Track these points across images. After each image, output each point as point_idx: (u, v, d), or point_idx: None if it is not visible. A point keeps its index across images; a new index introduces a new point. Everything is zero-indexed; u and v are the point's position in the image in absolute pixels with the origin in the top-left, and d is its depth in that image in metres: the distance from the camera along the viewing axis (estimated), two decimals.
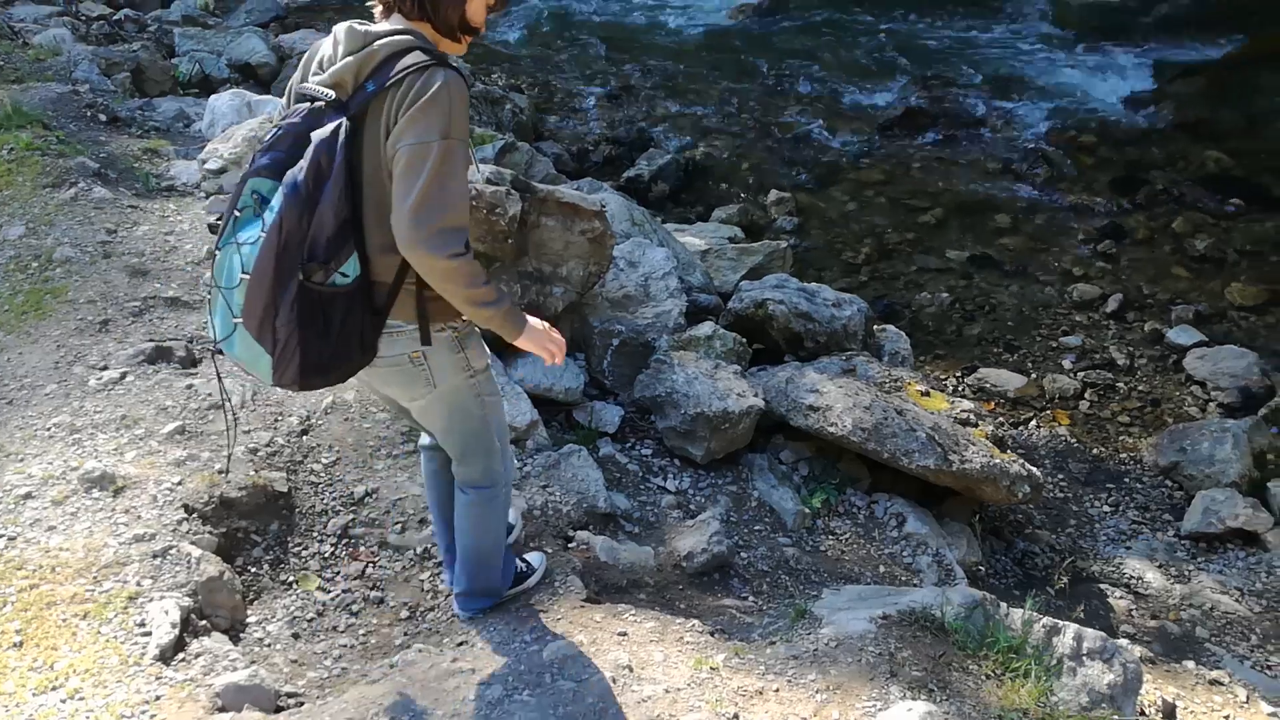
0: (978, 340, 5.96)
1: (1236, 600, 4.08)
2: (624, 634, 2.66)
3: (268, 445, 3.29)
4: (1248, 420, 4.87)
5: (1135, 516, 4.56)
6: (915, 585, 3.33)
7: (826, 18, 10.35)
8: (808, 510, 3.66)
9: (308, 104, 2.06)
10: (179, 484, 3.02)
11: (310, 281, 1.99)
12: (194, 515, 2.95)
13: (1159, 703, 3.24)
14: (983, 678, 2.50)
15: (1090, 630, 2.98)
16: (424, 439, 2.65)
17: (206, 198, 4.96)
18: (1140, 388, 5.47)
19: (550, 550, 3.05)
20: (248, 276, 1.99)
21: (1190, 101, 8.26)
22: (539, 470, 3.36)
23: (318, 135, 1.98)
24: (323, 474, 3.27)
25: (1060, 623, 2.92)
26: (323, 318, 2.02)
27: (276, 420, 3.41)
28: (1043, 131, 8.03)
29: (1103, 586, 3.99)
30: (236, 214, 2.05)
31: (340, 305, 2.04)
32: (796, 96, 8.95)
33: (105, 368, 3.55)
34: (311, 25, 9.70)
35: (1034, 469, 3.95)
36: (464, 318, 2.21)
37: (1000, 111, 8.35)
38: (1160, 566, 4.21)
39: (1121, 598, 3.96)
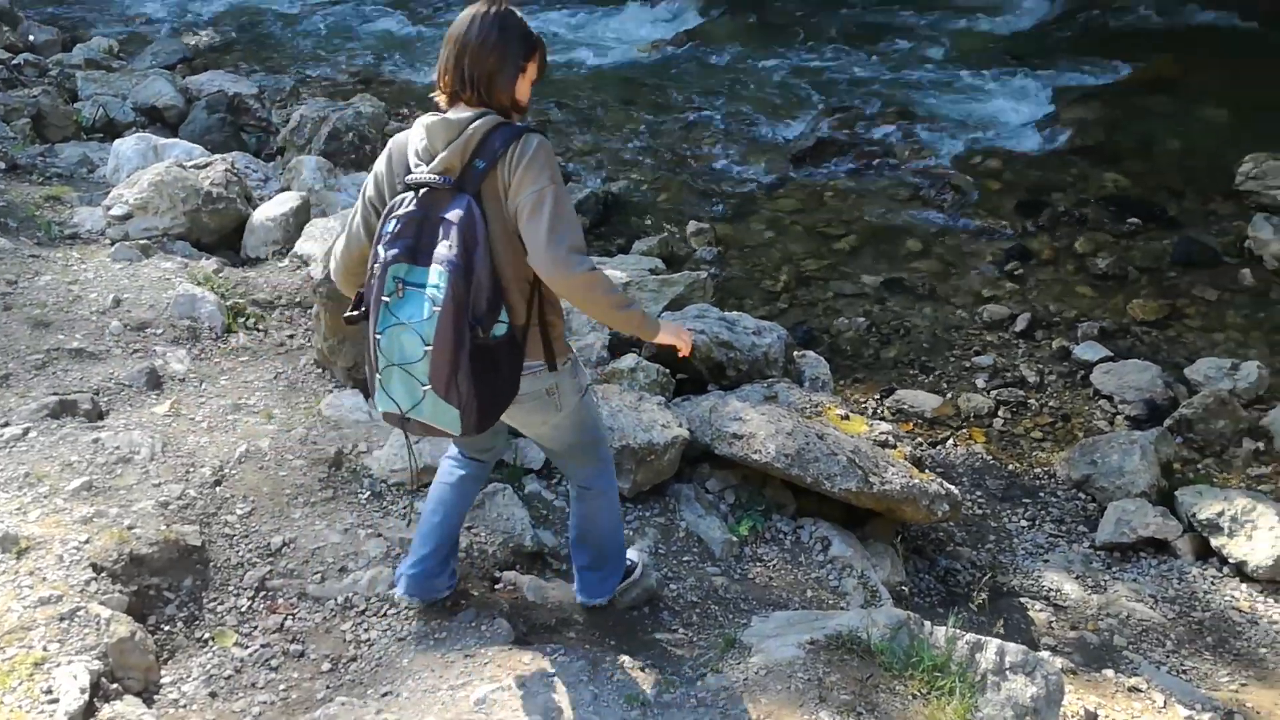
0: (894, 363, 6.09)
1: (1151, 607, 4.21)
2: (553, 675, 2.63)
3: (179, 498, 3.20)
4: (1154, 431, 5.05)
5: (1052, 530, 4.69)
6: (842, 608, 3.37)
7: (738, 53, 10.55)
8: (735, 538, 3.68)
9: (414, 192, 2.34)
10: (86, 542, 2.92)
11: (480, 338, 2.31)
12: (103, 574, 2.84)
13: (1081, 713, 3.31)
14: (909, 698, 2.54)
15: (1012, 644, 3.05)
16: (451, 449, 2.89)
17: (112, 244, 4.83)
18: (1051, 403, 5.64)
19: (477, 593, 3.01)
20: (431, 348, 2.27)
21: (1088, 126, 8.61)
22: None
23: (453, 216, 2.29)
24: (237, 525, 3.18)
25: (983, 639, 2.98)
26: (493, 367, 2.37)
27: (188, 472, 3.32)
28: (949, 158, 8.28)
29: (1023, 600, 4.08)
30: (385, 300, 2.31)
31: (503, 352, 2.39)
32: (712, 129, 9.09)
33: (6, 424, 3.42)
34: (219, 66, 9.57)
35: (952, 487, 4.04)
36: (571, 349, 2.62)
37: (908, 140, 8.59)
38: (1077, 578, 4.33)
39: (1041, 610, 4.05)
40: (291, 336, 4.41)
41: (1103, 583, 4.33)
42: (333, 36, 11.17)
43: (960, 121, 8.93)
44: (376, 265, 2.33)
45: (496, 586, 3.10)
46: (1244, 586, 4.37)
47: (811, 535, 3.79)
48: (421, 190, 2.34)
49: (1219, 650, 4.04)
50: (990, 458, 5.26)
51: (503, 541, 3.24)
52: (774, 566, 3.61)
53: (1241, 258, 6.74)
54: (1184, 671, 3.89)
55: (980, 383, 5.84)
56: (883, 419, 5.58)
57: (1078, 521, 4.75)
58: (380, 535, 3.22)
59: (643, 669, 2.74)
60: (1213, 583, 4.40)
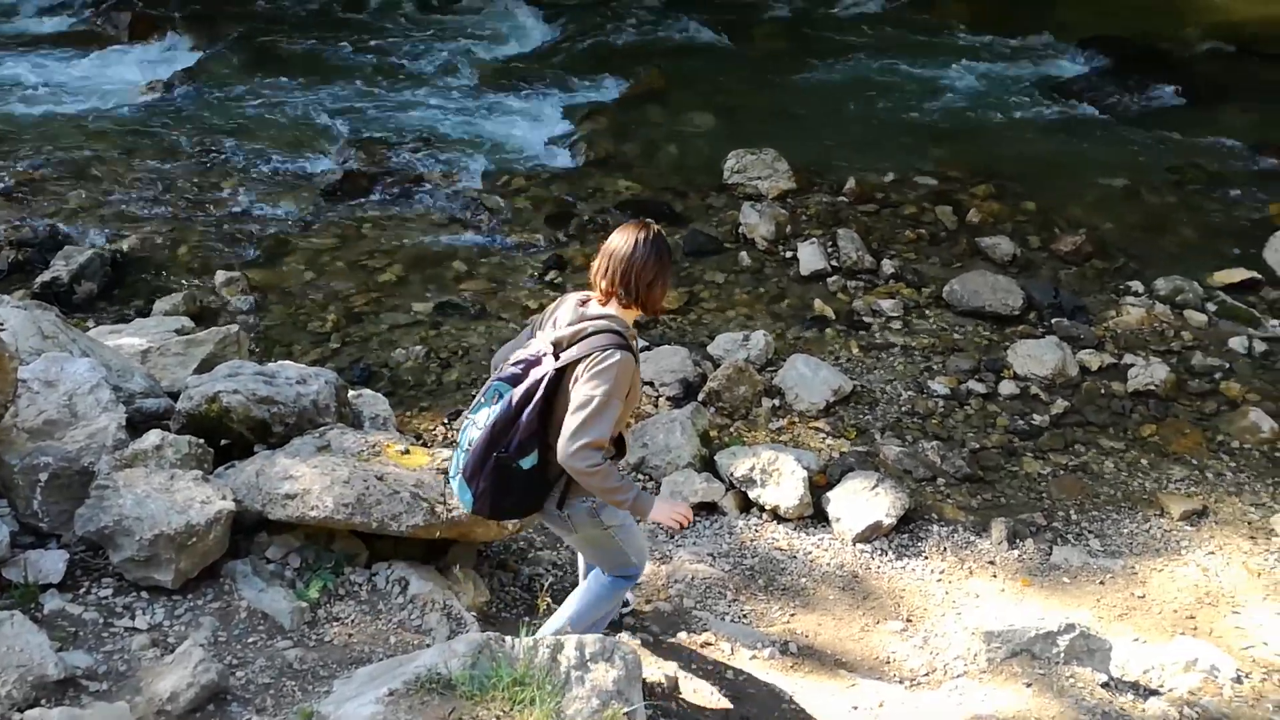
0: (457, 385, 6.14)
1: (710, 565, 4.64)
2: None
3: None
4: (690, 406, 5.58)
5: None
6: (427, 646, 3.31)
7: (247, 89, 10.02)
8: (306, 604, 3.47)
9: (537, 348, 3.11)
10: None
11: (503, 461, 3.05)
12: None
13: (663, 679, 3.57)
14: None
15: (590, 635, 3.18)
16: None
17: None
18: None
19: None
20: (471, 451, 3.08)
21: (597, 139, 9.29)
22: None
23: (536, 373, 3.05)
24: None
25: (562, 638, 3.08)
26: (507, 486, 3.10)
27: None
28: (479, 180, 8.53)
29: None
30: (481, 399, 3.14)
31: (519, 481, 3.10)
32: (230, 170, 8.55)
33: None
34: None
35: None
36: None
37: (437, 166, 8.71)
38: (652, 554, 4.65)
39: None
40: None
41: (668, 553, 4.69)
42: None
43: (484, 144, 9.22)
44: (494, 375, 3.17)
45: None
46: (781, 528, 4.98)
47: (388, 579, 3.68)
48: (540, 350, 3.10)
49: (770, 590, 4.56)
50: None
51: (19, 677, 2.76)
52: (353, 622, 3.46)
53: (739, 243, 7.67)
54: (744, 616, 4.34)
55: None
56: (453, 443, 5.61)
57: None
58: None
59: None
60: (756, 530, 4.96)
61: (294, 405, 4.22)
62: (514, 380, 3.07)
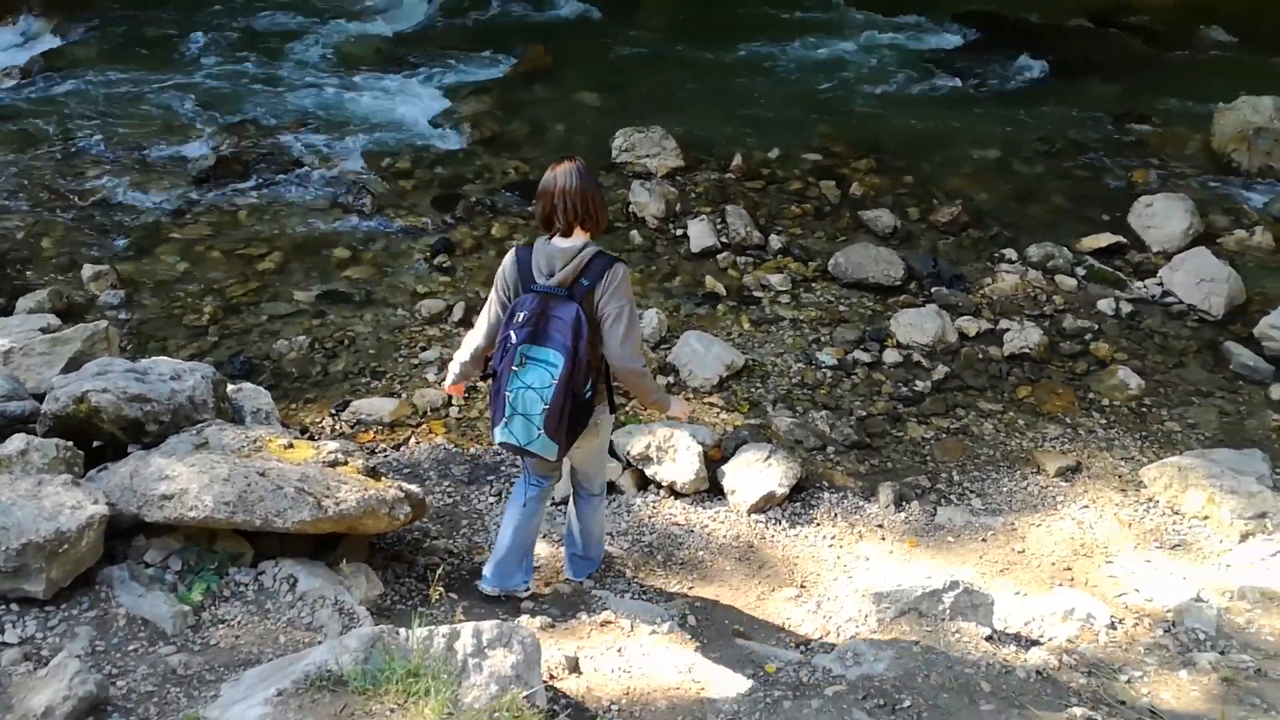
0: (344, 375, 5.99)
1: (609, 544, 4.65)
2: None
3: None
4: None
5: None
6: (318, 643, 3.23)
7: (114, 74, 9.56)
8: (188, 607, 3.35)
9: (534, 295, 3.38)
10: None
11: (578, 399, 3.40)
12: None
13: (563, 660, 3.56)
14: (386, 714, 2.51)
15: (488, 622, 3.16)
16: (532, 482, 3.98)
17: None
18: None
19: None
20: (548, 405, 3.35)
21: (483, 119, 9.16)
22: None
23: (566, 315, 3.33)
24: None
25: (457, 626, 3.05)
26: (577, 416, 3.46)
27: None
28: (360, 163, 8.31)
29: None
30: (515, 369, 3.37)
31: (583, 408, 3.48)
32: (95, 159, 8.16)
33: None
34: None
35: (412, 487, 4.08)
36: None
37: (316, 149, 8.46)
38: (545, 536, 4.64)
39: None
40: None
41: None
42: None
43: (364, 125, 9.00)
44: (509, 344, 3.39)
45: None
46: (678, 503, 5.02)
47: (275, 578, 3.58)
48: (542, 293, 3.37)
49: (668, 564, 4.61)
50: (452, 446, 5.43)
51: None
52: (239, 624, 3.35)
53: (629, 221, 7.68)
54: (644, 593, 4.37)
55: (431, 376, 5.98)
56: (342, 435, 5.49)
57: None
58: None
59: None
60: (654, 507, 4.99)
61: (169, 402, 4.07)
62: (533, 332, 3.35)
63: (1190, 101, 9.90)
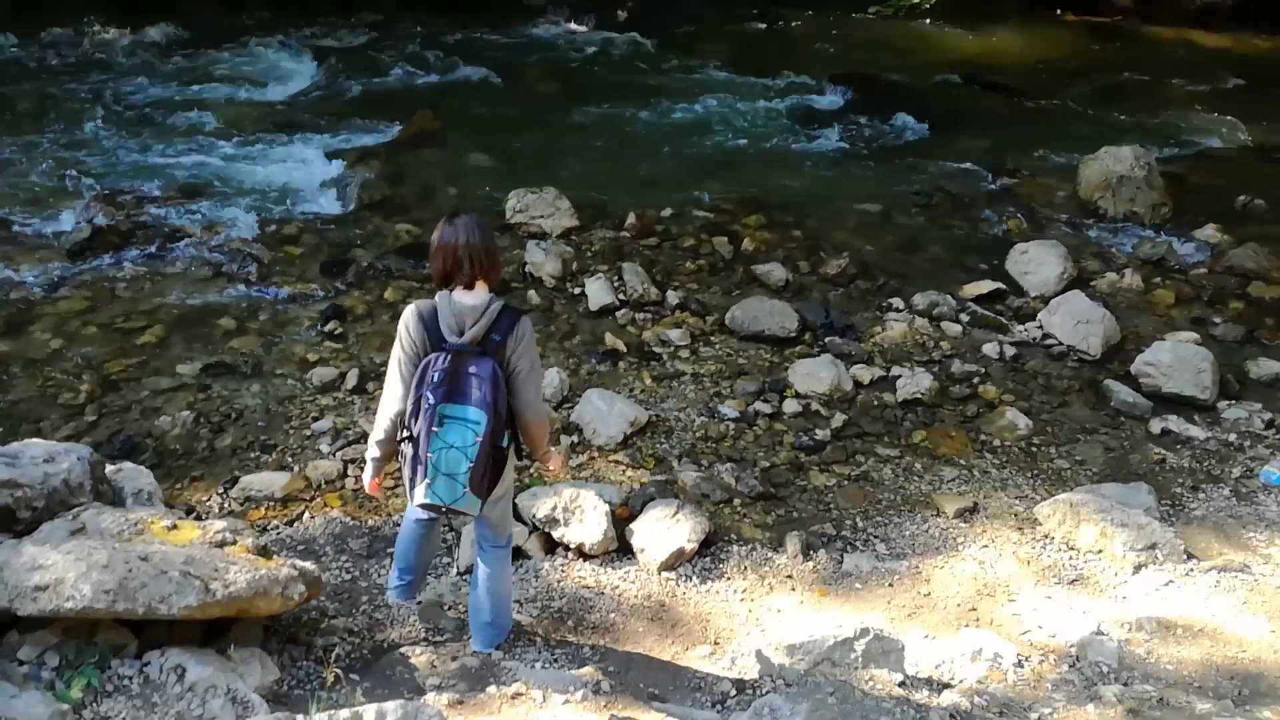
0: (232, 450, 5.74)
1: (518, 613, 4.52)
2: None
3: None
4: None
5: None
6: None
7: None
8: (67, 705, 3.11)
9: (445, 353, 3.38)
10: None
11: (497, 454, 3.49)
12: None
13: None
14: None
15: (391, 703, 3.04)
16: (422, 514, 3.90)
17: None
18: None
19: None
20: (473, 463, 3.35)
21: (373, 182, 9.04)
22: None
23: (484, 371, 3.36)
24: None
25: (360, 709, 2.92)
26: (501, 466, 3.56)
27: None
28: (246, 231, 8.08)
29: (404, 649, 4.10)
30: (435, 430, 3.34)
31: (501, 460, 3.55)
32: None
33: None
34: None
35: (307, 564, 3.90)
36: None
37: (198, 218, 8.20)
38: (449, 608, 4.49)
39: (423, 652, 4.10)
40: None
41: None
42: None
43: (250, 191, 8.78)
44: (425, 404, 3.34)
45: None
46: (587, 565, 4.93)
47: (162, 668, 3.36)
48: (455, 351, 3.37)
49: (579, 629, 4.50)
50: (349, 519, 5.23)
51: None
52: None
53: (526, 281, 7.65)
54: (555, 661, 4.25)
55: (324, 447, 5.77)
56: (231, 513, 5.24)
57: (441, 556, 4.92)
58: None
59: None
60: (562, 571, 4.89)
61: (41, 487, 3.82)
62: (448, 391, 3.34)
63: (1056, 153, 10.49)
